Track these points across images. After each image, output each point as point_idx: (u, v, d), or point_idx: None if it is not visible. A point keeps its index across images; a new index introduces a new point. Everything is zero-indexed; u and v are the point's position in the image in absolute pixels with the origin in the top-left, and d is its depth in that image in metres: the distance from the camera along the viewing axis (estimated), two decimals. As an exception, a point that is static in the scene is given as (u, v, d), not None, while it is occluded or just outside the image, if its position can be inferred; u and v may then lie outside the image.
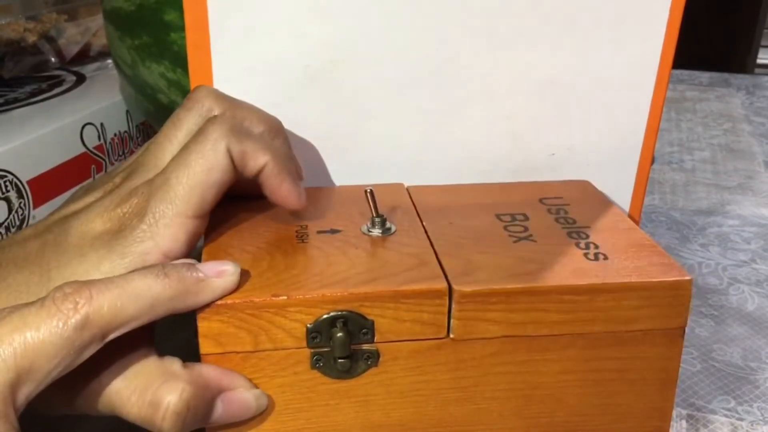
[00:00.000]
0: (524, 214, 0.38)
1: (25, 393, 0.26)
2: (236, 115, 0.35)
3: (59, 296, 0.27)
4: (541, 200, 0.39)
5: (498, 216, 0.37)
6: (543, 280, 0.32)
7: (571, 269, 0.32)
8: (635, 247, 0.34)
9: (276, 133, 0.36)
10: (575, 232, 0.36)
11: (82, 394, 0.29)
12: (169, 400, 0.29)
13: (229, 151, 0.32)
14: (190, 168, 0.32)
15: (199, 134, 0.33)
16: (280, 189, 0.34)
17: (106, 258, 0.31)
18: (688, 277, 0.32)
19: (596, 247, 0.34)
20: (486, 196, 0.40)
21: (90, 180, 0.56)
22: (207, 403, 0.30)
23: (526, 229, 0.36)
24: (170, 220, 0.31)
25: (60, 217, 0.34)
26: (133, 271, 0.29)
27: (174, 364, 0.30)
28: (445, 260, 0.33)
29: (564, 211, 0.38)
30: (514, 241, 0.35)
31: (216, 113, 0.35)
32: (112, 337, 0.28)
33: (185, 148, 0.33)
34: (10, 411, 0.26)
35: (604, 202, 0.39)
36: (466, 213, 0.38)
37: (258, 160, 0.33)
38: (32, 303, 0.27)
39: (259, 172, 0.34)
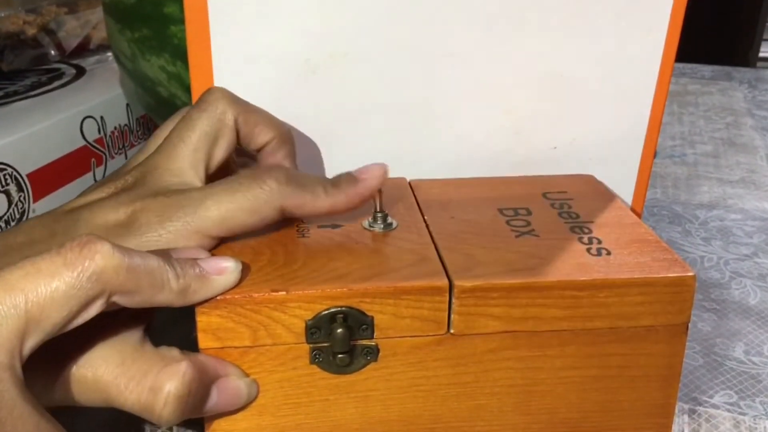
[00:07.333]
0: (527, 209, 0.37)
1: (31, 344, 0.26)
2: (248, 120, 0.35)
3: (77, 244, 0.26)
4: (544, 194, 0.39)
5: (500, 210, 0.37)
6: (544, 276, 0.31)
7: (573, 264, 0.32)
8: (638, 243, 0.34)
9: (284, 141, 0.37)
10: (578, 226, 0.36)
11: (75, 385, 0.29)
12: (171, 384, 0.29)
13: (281, 206, 0.32)
14: (233, 204, 0.32)
15: (258, 178, 0.32)
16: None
17: None
18: (691, 273, 0.32)
19: (599, 242, 0.34)
20: (489, 191, 0.40)
21: (89, 173, 0.55)
22: (205, 387, 0.30)
23: (528, 223, 0.36)
24: (190, 233, 0.31)
25: (69, 209, 0.34)
26: (150, 251, 0.29)
27: (172, 350, 0.30)
28: (446, 255, 0.33)
29: (567, 205, 0.38)
30: (516, 236, 0.35)
31: (229, 116, 0.35)
32: (116, 299, 0.27)
33: (238, 182, 0.32)
34: (16, 362, 0.25)
35: (607, 197, 0.39)
36: (468, 207, 0.38)
37: (317, 207, 0.33)
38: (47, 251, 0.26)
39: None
